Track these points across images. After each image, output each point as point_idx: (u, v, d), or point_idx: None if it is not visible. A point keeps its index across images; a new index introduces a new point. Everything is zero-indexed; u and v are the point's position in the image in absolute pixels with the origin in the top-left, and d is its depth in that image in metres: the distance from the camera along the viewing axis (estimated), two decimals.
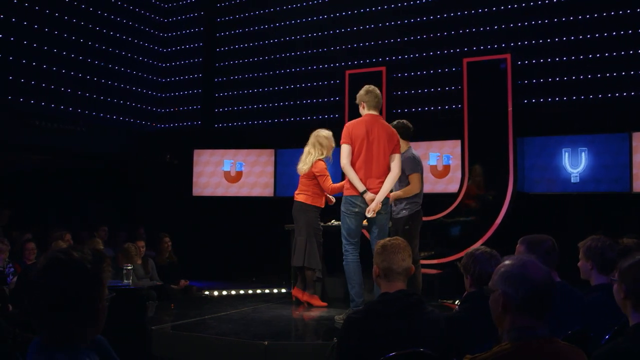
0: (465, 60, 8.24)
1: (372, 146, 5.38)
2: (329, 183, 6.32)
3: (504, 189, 7.76)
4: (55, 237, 7.09)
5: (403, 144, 5.97)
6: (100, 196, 11.01)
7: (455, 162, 8.45)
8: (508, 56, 7.98)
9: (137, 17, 11.39)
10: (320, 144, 6.46)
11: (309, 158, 6.45)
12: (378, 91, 5.59)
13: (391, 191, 5.71)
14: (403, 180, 5.86)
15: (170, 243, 8.38)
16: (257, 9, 11.16)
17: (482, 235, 7.64)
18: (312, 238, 6.36)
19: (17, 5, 9.16)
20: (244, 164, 10.15)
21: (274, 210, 8.98)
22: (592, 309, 3.21)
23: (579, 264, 3.56)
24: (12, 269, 6.71)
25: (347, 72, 9.10)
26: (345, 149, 5.36)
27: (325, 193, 6.46)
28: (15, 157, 10.58)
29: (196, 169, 10.26)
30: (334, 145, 6.50)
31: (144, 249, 8.02)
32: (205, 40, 11.56)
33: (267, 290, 7.96)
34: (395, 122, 6.07)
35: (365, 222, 5.54)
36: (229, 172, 10.18)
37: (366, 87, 5.65)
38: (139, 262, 7.59)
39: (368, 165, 5.37)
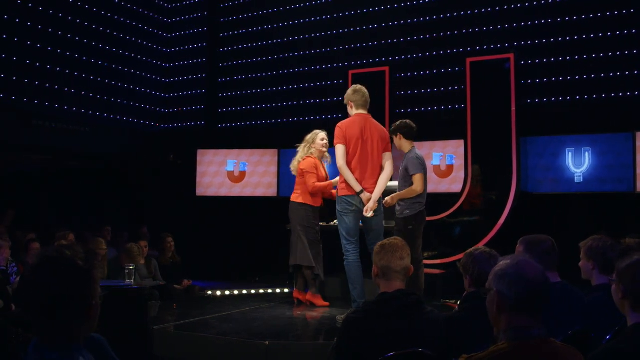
0: (469, 60, 8.23)
1: (367, 146, 5.41)
2: (311, 181, 6.34)
3: (507, 188, 7.75)
4: (59, 237, 7.10)
5: (407, 144, 5.98)
6: (104, 196, 11.04)
7: (459, 162, 8.43)
8: (511, 56, 7.97)
9: (140, 17, 11.40)
10: (306, 141, 6.59)
11: (296, 156, 6.60)
12: (365, 90, 5.62)
13: (392, 192, 5.71)
14: (407, 181, 5.85)
15: (173, 243, 8.39)
16: (260, 9, 11.16)
17: (485, 235, 7.63)
18: (302, 236, 6.37)
19: (21, 5, 9.18)
20: (247, 164, 10.15)
21: (277, 210, 8.96)
22: (593, 309, 3.20)
23: (580, 263, 3.55)
24: (15, 269, 6.72)
25: (350, 72, 9.11)
26: (340, 150, 5.36)
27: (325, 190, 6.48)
28: (19, 157, 10.61)
29: (199, 169, 10.27)
30: (318, 139, 6.54)
31: (147, 248, 8.03)
32: (208, 40, 11.57)
33: (269, 290, 7.98)
34: (398, 122, 6.07)
35: (360, 224, 5.55)
36: (233, 172, 10.18)
37: (353, 86, 5.70)
38: (142, 262, 7.59)
39: (364, 165, 5.39)
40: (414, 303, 2.83)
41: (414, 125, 6.04)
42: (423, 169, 5.88)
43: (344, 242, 5.46)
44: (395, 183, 6.22)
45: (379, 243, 3.01)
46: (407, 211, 5.83)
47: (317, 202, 6.51)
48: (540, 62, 8.65)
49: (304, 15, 10.62)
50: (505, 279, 1.99)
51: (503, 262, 2.05)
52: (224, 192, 10.17)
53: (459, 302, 3.31)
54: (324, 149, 6.56)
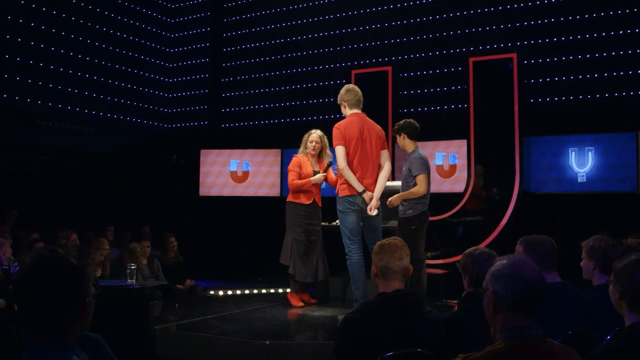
0: (471, 60, 8.22)
1: (366, 145, 5.43)
2: (291, 178, 6.53)
3: (510, 188, 7.73)
4: (62, 238, 7.11)
5: (411, 144, 5.96)
6: (107, 196, 11.05)
7: (462, 162, 8.42)
8: (514, 55, 7.96)
9: (143, 17, 11.42)
10: (302, 141, 6.76)
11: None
12: (358, 89, 5.64)
13: (394, 192, 5.71)
14: (410, 181, 5.84)
15: (175, 243, 8.40)
16: (263, 9, 11.16)
17: (488, 235, 7.61)
18: (288, 235, 6.58)
19: (24, 6, 9.21)
20: (250, 163, 10.16)
21: (280, 211, 8.93)
22: (594, 309, 3.18)
23: (582, 263, 3.54)
24: (17, 268, 6.73)
25: (353, 72, 9.11)
26: (341, 151, 5.36)
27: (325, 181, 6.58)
28: (22, 157, 10.64)
29: (203, 169, 10.28)
30: (309, 139, 6.67)
31: (150, 248, 8.03)
32: (211, 40, 11.58)
33: (272, 290, 7.99)
34: (402, 122, 6.05)
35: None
36: (236, 172, 10.19)
37: (346, 86, 5.72)
38: (145, 261, 7.61)
39: (364, 165, 5.40)
40: (413, 303, 2.83)
41: (418, 125, 6.01)
42: (427, 170, 5.85)
43: (347, 241, 5.45)
44: (397, 183, 6.20)
45: (378, 243, 3.01)
46: (410, 211, 5.81)
47: (307, 200, 6.55)
48: (543, 61, 8.63)
49: (307, 15, 10.63)
50: (501, 279, 1.99)
51: (499, 262, 2.04)
52: (226, 192, 10.18)
53: (457, 302, 3.30)
54: (314, 152, 6.66)
